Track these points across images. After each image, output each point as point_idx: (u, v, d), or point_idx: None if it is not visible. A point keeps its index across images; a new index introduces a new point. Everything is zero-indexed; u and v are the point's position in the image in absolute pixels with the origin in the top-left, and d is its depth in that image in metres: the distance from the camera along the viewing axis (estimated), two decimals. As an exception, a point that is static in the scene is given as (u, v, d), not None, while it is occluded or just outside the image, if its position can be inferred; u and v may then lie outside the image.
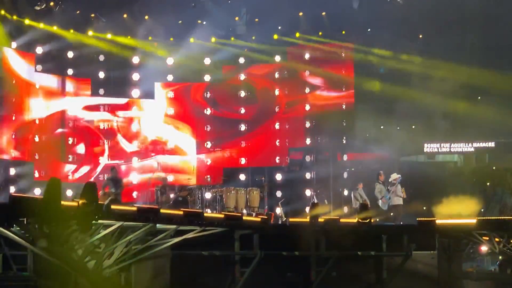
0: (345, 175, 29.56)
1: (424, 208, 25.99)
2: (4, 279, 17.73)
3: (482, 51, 27.90)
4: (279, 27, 30.82)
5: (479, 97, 28.82)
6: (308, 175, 30.24)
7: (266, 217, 20.36)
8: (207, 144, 31.20)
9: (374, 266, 20.74)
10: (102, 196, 25.05)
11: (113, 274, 18.80)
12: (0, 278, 17.96)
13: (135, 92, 31.26)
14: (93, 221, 17.20)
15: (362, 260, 20.51)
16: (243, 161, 30.95)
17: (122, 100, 31.12)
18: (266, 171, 30.23)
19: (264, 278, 19.83)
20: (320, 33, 31.07)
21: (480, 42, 28.03)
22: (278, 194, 28.80)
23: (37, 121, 29.13)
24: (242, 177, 30.06)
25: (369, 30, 30.17)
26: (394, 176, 25.81)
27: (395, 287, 20.34)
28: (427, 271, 20.11)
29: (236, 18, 31.06)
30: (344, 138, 30.37)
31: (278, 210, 27.30)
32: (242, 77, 31.44)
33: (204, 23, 30.87)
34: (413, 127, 30.16)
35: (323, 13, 30.41)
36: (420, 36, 30.03)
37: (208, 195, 27.60)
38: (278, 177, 29.84)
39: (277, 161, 30.81)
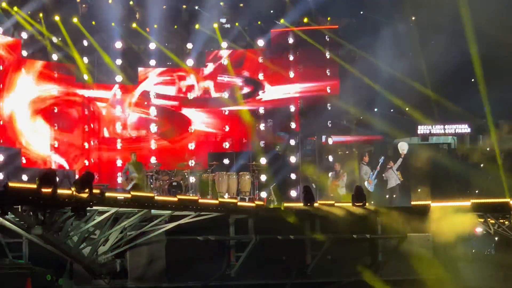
0: (330, 158, 30.11)
1: (419, 190, 26.62)
2: (0, 266, 18.26)
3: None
4: (264, 12, 31.33)
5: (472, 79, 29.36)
6: (293, 159, 30.73)
7: (261, 202, 21.02)
8: (191, 129, 31.73)
9: (369, 249, 21.43)
10: (124, 181, 25.55)
11: (108, 260, 19.45)
12: (-5, 264, 18.47)
13: (118, 78, 31.78)
14: (88, 208, 17.76)
15: (357, 243, 21.17)
16: (226, 145, 31.46)
17: (106, 86, 31.61)
18: (251, 155, 30.69)
19: (259, 262, 20.49)
20: (305, 20, 31.65)
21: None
22: (263, 178, 29.24)
23: (24, 107, 29.54)
24: (226, 161, 30.55)
25: (362, 12, 30.70)
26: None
27: (391, 269, 21.00)
28: (422, 253, 20.75)
29: (221, 3, 31.61)
30: (330, 121, 30.88)
31: (264, 194, 27.94)
32: (225, 62, 31.89)
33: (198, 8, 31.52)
34: (407, 109, 30.72)
35: None
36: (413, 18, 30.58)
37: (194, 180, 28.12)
38: (263, 161, 30.25)
39: (262, 145, 31.28)
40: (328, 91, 30.90)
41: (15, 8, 29.17)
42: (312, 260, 21.06)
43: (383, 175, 26.38)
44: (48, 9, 30.21)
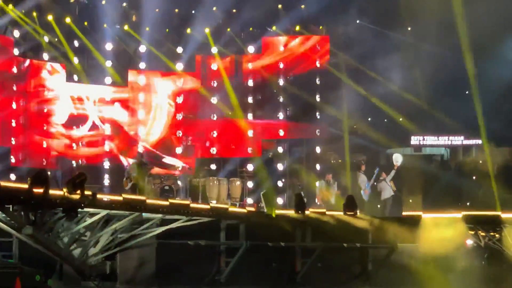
0: (318, 167, 30.54)
1: (411, 201, 27.01)
2: (-11, 264, 18.58)
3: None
4: (256, 19, 31.68)
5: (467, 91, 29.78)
6: (280, 166, 31.07)
7: (253, 208, 21.36)
8: (179, 133, 32.06)
9: (359, 258, 21.79)
10: (125, 181, 25.86)
11: (98, 262, 19.75)
12: (-15, 264, 18.75)
13: (108, 80, 32.14)
14: (79, 209, 18.08)
15: (347, 252, 21.53)
16: (214, 151, 31.83)
17: (97, 87, 31.94)
18: (238, 161, 31.06)
19: (249, 268, 20.82)
20: (297, 28, 32.09)
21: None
22: (250, 184, 29.62)
23: (14, 106, 29.84)
24: (213, 166, 30.88)
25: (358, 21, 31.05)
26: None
27: (380, 279, 21.35)
28: (412, 263, 21.10)
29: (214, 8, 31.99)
30: (318, 130, 31.24)
31: (252, 200, 28.38)
32: (215, 67, 32.29)
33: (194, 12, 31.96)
34: (401, 119, 31.09)
35: (302, 6, 31.35)
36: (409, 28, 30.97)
37: (184, 184, 28.44)
38: (250, 167, 30.58)
39: (249, 151, 31.64)
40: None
41: (10, 6, 29.51)
42: (302, 267, 21.40)
43: (377, 185, 26.79)
44: (42, 8, 30.59)
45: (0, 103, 29.32)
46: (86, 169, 26.77)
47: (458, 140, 30.57)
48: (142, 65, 32.52)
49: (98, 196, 18.16)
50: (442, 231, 20.95)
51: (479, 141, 29.91)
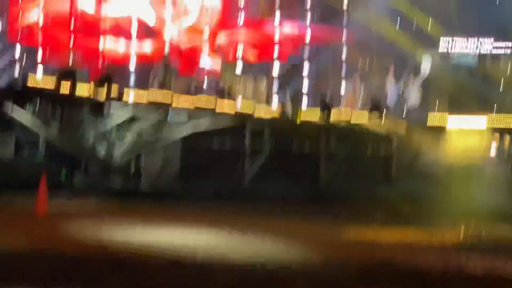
0: (344, 70, 30.27)
1: (437, 108, 26.81)
2: (16, 163, 18.84)
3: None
4: None
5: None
6: (306, 70, 30.82)
7: (278, 112, 21.33)
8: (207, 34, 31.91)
9: (383, 165, 21.80)
10: (151, 81, 25.79)
11: (123, 162, 19.93)
12: (11, 162, 19.02)
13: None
14: (105, 108, 18.21)
15: (371, 158, 21.55)
16: (241, 53, 31.63)
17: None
18: (265, 64, 30.88)
19: (272, 173, 20.91)
20: None
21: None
22: (275, 88, 29.47)
23: (41, 5, 29.70)
24: (240, 68, 30.76)
25: None
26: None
27: (403, 186, 21.37)
28: (436, 172, 21.07)
29: None
30: (345, 34, 30.95)
31: (275, 104, 28.32)
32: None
33: None
34: (430, 22, 30.60)
35: None
36: None
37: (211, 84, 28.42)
38: (276, 71, 30.30)
39: (275, 54, 31.34)
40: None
41: None
42: (325, 174, 21.45)
43: (404, 91, 26.64)
44: None
45: (27, 3, 29.24)
46: (112, 69, 26.83)
47: (487, 42, 30.11)
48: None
49: (125, 93, 18.23)
50: (467, 140, 20.90)
51: (509, 44, 29.52)
